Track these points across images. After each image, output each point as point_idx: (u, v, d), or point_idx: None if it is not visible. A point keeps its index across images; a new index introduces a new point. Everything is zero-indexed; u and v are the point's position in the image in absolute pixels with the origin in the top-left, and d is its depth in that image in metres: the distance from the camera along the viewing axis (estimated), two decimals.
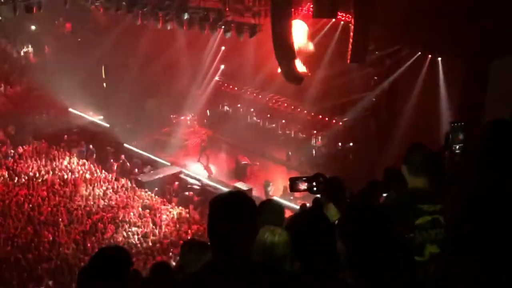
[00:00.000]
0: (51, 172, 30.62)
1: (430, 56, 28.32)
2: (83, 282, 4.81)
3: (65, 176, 30.23)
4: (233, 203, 3.57)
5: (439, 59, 28.14)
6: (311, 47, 27.42)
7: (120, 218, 26.33)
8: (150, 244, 24.22)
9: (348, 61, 23.90)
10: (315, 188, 4.79)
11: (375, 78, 31.30)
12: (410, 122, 28.02)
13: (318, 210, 5.03)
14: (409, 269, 3.47)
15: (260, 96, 38.63)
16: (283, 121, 37.06)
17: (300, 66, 23.60)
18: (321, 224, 3.86)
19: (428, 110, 27.49)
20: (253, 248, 3.64)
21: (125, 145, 36.66)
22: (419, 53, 28.52)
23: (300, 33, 25.61)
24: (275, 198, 27.20)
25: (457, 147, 6.42)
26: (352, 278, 3.46)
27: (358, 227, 3.44)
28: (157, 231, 25.46)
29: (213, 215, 3.59)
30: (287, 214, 6.89)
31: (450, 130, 6.54)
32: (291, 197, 26.81)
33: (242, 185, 30.08)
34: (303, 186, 4.84)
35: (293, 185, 4.90)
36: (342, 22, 29.02)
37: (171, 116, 38.84)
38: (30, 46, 44.70)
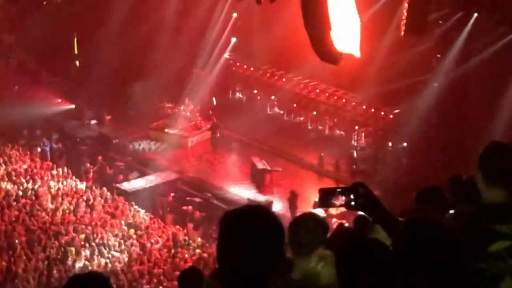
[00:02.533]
0: (6, 179, 30.81)
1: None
2: None
3: (25, 184, 30.40)
4: (252, 221, 3.55)
5: None
6: (357, 18, 27.27)
7: (96, 241, 26.45)
8: (137, 274, 24.31)
9: (402, 33, 23.84)
10: (353, 203, 4.76)
11: (438, 56, 31.20)
12: (486, 117, 27.90)
13: (365, 233, 5.01)
14: None
15: (283, 80, 38.64)
16: (314, 112, 37.05)
17: (339, 42, 23.57)
18: (377, 253, 3.80)
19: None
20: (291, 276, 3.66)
21: (104, 143, 36.85)
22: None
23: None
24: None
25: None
26: None
27: (421, 254, 3.45)
28: (145, 259, 25.55)
29: (225, 236, 3.58)
30: None
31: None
32: (324, 214, 26.84)
33: (259, 197, 30.24)
34: (337, 200, 4.80)
35: (324, 199, 4.84)
36: None
37: (165, 105, 38.93)
38: None
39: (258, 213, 3.61)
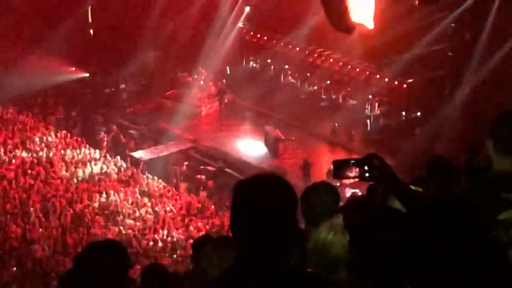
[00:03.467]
0: (20, 147, 30.92)
1: None
2: None
3: (40, 153, 30.52)
4: (265, 190, 3.51)
5: None
6: None
7: (110, 208, 26.58)
8: (151, 243, 24.43)
9: (416, 3, 23.70)
10: (367, 175, 4.72)
11: (453, 25, 31.00)
12: (501, 85, 27.75)
13: (378, 202, 4.99)
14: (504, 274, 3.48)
15: (297, 49, 38.50)
16: (328, 82, 36.94)
17: (353, 12, 23.44)
18: (391, 221, 3.71)
19: None
20: (304, 247, 3.60)
21: (119, 112, 36.88)
22: None
23: None
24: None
25: None
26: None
27: (438, 222, 3.41)
28: (159, 227, 25.66)
29: (238, 205, 3.54)
30: None
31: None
32: (338, 184, 26.82)
33: (272, 166, 30.24)
34: (351, 172, 4.75)
35: (338, 171, 4.78)
36: None
37: (179, 74, 38.88)
38: None
39: (271, 182, 3.56)
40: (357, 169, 4.69)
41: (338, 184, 26.87)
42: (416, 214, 3.57)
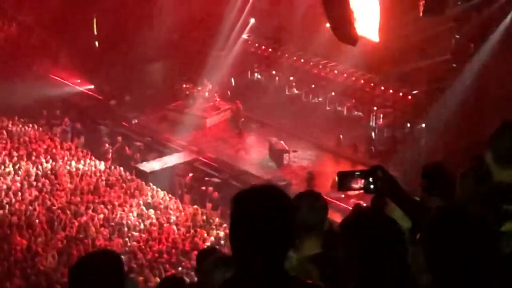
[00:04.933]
0: (25, 159, 30.94)
1: None
2: None
3: (44, 164, 30.54)
4: (264, 201, 3.53)
5: None
6: (376, 4, 27.23)
7: (115, 220, 26.57)
8: (156, 254, 24.40)
9: (421, 13, 23.68)
10: (372, 186, 4.72)
11: (457, 36, 30.98)
12: (505, 96, 27.71)
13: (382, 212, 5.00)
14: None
15: (302, 60, 38.49)
16: (333, 93, 36.91)
17: (358, 25, 23.45)
18: (392, 230, 3.74)
19: None
20: None
21: (124, 123, 36.89)
22: None
23: None
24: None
25: None
26: None
27: (449, 233, 3.41)
28: (164, 238, 25.63)
29: (237, 216, 3.57)
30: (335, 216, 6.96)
31: None
32: (342, 195, 26.81)
33: (277, 178, 30.23)
34: (356, 184, 4.75)
35: (343, 183, 4.79)
36: None
37: (184, 86, 38.90)
38: None
39: (269, 193, 3.59)
40: (362, 181, 4.70)
41: (343, 195, 26.92)
42: (422, 225, 3.58)
